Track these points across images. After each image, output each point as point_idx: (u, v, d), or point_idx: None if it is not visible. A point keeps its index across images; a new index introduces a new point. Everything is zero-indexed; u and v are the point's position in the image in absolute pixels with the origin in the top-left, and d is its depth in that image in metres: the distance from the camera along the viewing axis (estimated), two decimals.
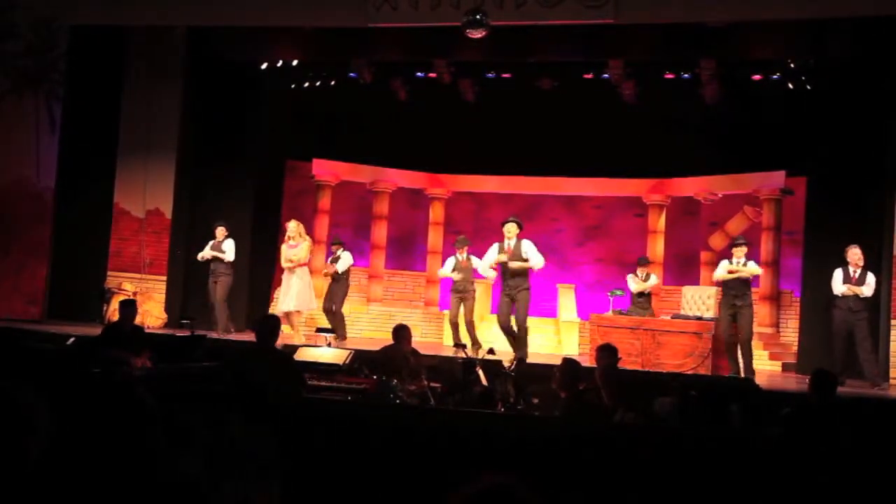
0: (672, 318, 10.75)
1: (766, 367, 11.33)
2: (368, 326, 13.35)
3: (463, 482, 1.82)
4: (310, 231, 12.14)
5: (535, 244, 10.27)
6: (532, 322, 12.98)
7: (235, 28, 11.52)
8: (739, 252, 10.02)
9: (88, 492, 2.01)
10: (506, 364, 7.75)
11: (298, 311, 11.05)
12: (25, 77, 11.44)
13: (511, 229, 10.26)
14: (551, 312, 13.26)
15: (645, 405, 6.43)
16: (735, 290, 9.89)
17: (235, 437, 2.66)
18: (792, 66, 11.67)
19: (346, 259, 11.69)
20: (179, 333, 9.89)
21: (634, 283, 11.40)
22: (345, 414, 5.17)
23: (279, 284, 13.35)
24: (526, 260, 10.07)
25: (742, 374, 9.50)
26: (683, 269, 13.30)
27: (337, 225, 13.68)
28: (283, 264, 11.14)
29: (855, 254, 9.54)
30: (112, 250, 11.95)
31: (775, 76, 11.96)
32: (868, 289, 9.49)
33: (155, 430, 2.14)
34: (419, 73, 13.11)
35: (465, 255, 11.11)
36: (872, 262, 9.73)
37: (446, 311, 12.11)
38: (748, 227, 12.52)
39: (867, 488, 4.27)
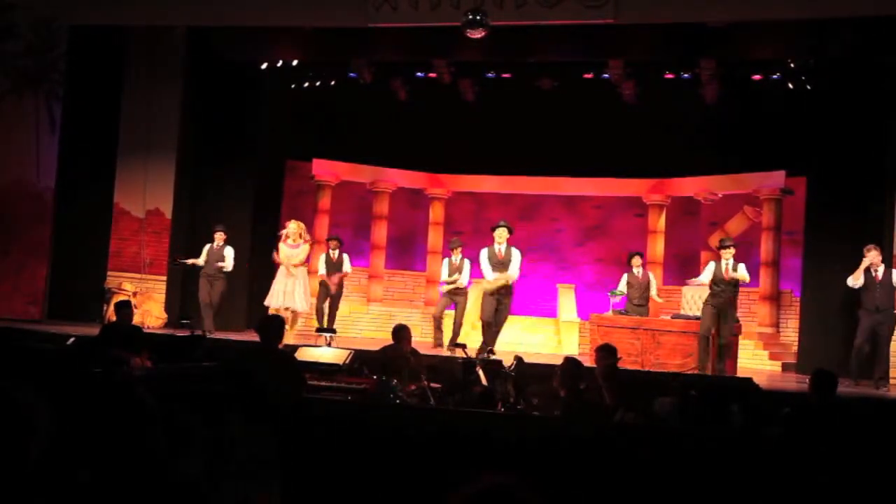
0: (672, 318, 10.75)
1: (766, 367, 11.34)
2: (368, 326, 13.34)
3: (463, 482, 1.82)
4: (310, 231, 12.14)
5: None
6: (532, 322, 13.05)
7: (235, 28, 11.51)
8: (727, 254, 9.86)
9: (88, 492, 2.01)
10: (506, 364, 7.74)
11: (295, 311, 11.03)
12: (25, 77, 11.44)
13: (502, 234, 10.32)
14: (551, 312, 13.26)
15: (645, 405, 6.43)
16: (723, 290, 9.81)
17: (235, 437, 2.66)
18: (792, 66, 11.67)
19: (347, 261, 11.74)
20: (179, 333, 9.88)
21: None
22: (345, 414, 5.17)
23: None
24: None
25: (708, 371, 9.49)
26: (683, 269, 13.30)
27: (337, 225, 13.68)
28: (281, 261, 11.03)
29: (876, 255, 9.34)
30: (112, 250, 11.95)
31: (775, 76, 11.96)
32: None
33: (155, 430, 2.14)
34: (419, 73, 13.11)
35: (458, 257, 11.11)
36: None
37: (447, 311, 12.11)
38: (748, 227, 12.53)
39: (867, 488, 4.27)
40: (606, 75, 12.24)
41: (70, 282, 11.61)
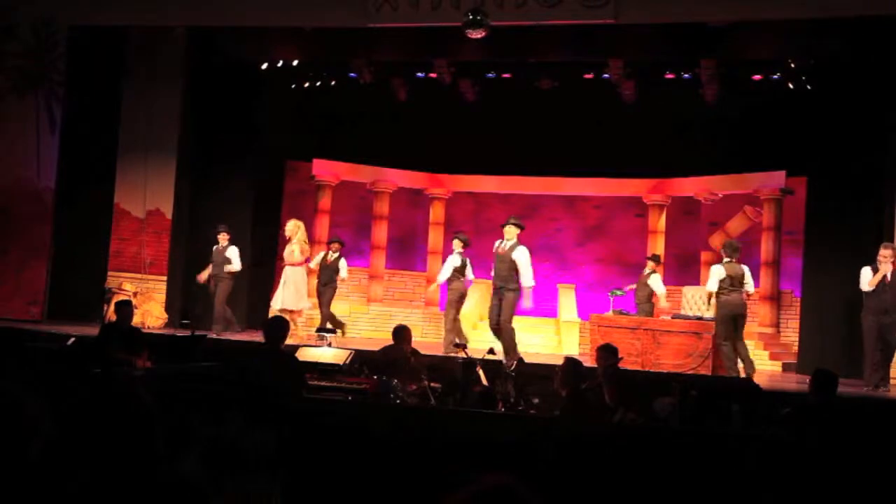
0: (672, 318, 10.75)
1: (766, 367, 11.33)
2: (368, 326, 13.35)
3: (463, 482, 1.82)
4: (310, 231, 12.13)
5: (531, 251, 10.08)
6: (532, 322, 13.02)
7: (235, 28, 11.51)
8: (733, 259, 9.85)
9: (88, 492, 2.01)
10: (506, 364, 7.75)
11: (296, 311, 11.02)
12: (25, 77, 11.44)
13: (511, 231, 10.06)
14: (551, 312, 13.26)
15: (645, 405, 6.44)
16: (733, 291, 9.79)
17: (235, 437, 2.66)
18: (792, 66, 11.67)
19: (343, 267, 11.58)
20: (179, 333, 9.88)
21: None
22: (345, 414, 5.17)
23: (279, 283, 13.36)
24: (514, 263, 9.97)
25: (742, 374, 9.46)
26: (683, 269, 13.31)
27: (337, 225, 13.68)
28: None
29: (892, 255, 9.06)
30: (112, 250, 11.95)
31: (775, 76, 11.96)
32: None
33: (155, 430, 2.13)
34: (419, 73, 13.11)
35: (459, 251, 11.02)
36: (872, 262, 9.70)
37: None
38: (749, 227, 12.52)
39: (867, 488, 4.27)
40: (606, 75, 12.24)
41: (70, 282, 11.61)
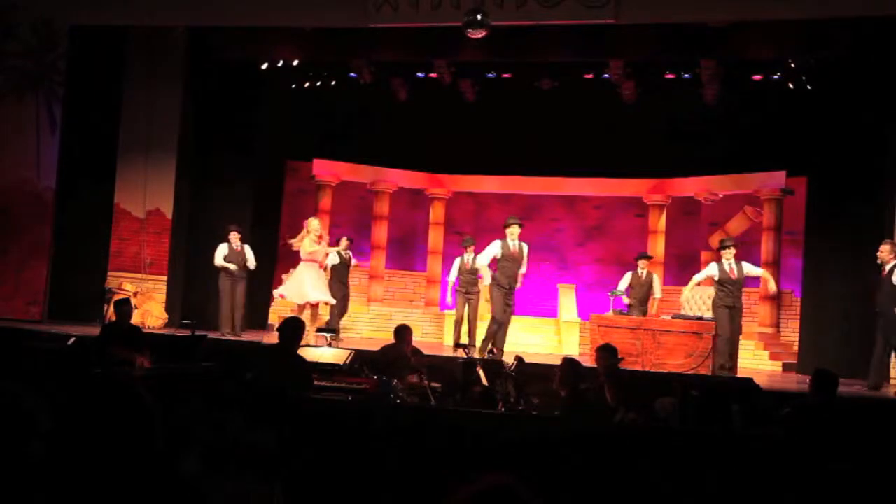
0: (672, 318, 10.74)
1: (766, 367, 11.34)
2: (368, 326, 13.35)
3: (463, 482, 1.82)
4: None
5: (531, 251, 10.45)
6: (532, 322, 13.04)
7: (235, 28, 11.51)
8: (728, 254, 9.85)
9: (88, 492, 2.01)
10: (506, 364, 7.75)
11: (316, 304, 10.98)
12: (26, 77, 11.44)
13: (514, 231, 10.28)
14: (552, 312, 13.26)
15: (645, 405, 6.43)
16: (731, 290, 9.80)
17: (235, 437, 2.66)
18: (792, 66, 11.67)
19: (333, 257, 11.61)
20: (179, 333, 9.88)
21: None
22: (345, 414, 5.17)
23: (279, 284, 13.35)
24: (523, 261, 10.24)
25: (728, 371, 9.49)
26: (683, 269, 13.30)
27: (337, 225, 13.68)
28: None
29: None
30: (112, 250, 11.95)
31: (775, 76, 11.96)
32: None
33: (155, 430, 2.13)
34: (419, 73, 13.11)
35: (471, 255, 11.09)
36: (872, 262, 9.71)
37: (447, 311, 12.10)
38: (749, 227, 12.52)
39: (867, 488, 4.27)
40: (606, 75, 12.24)
41: (70, 282, 11.61)
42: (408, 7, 10.32)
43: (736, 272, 9.78)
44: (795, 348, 11.49)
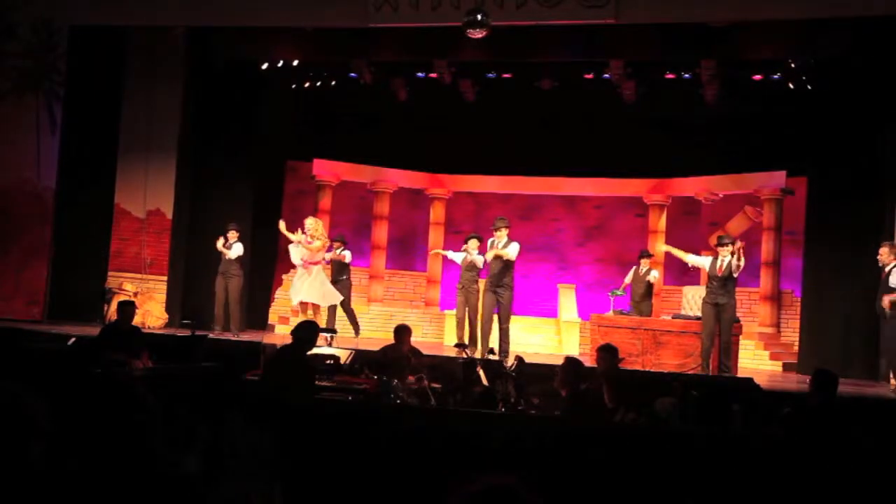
0: (672, 318, 10.74)
1: (766, 367, 11.34)
2: (368, 326, 13.33)
3: (463, 482, 1.82)
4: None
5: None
6: (532, 322, 13.04)
7: (235, 28, 11.51)
8: (725, 251, 9.61)
9: (88, 491, 2.01)
10: (506, 364, 7.75)
11: (317, 305, 11.01)
12: (26, 77, 11.44)
13: (502, 234, 10.33)
14: (552, 312, 13.26)
15: (645, 405, 6.43)
16: (713, 286, 9.63)
17: (235, 437, 2.66)
18: (792, 66, 11.67)
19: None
20: (179, 333, 9.88)
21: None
22: (345, 414, 5.17)
23: (279, 284, 13.35)
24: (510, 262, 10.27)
25: (711, 371, 9.44)
26: (684, 269, 13.29)
27: (337, 225, 13.67)
28: (301, 260, 11.00)
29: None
30: (112, 250, 11.95)
31: (775, 76, 11.96)
32: None
33: (155, 430, 2.13)
34: (419, 73, 13.11)
35: (475, 253, 11.04)
36: (872, 262, 9.71)
37: (448, 311, 12.09)
38: (749, 227, 12.52)
39: (867, 488, 4.27)
40: (607, 75, 12.23)
41: (70, 282, 11.61)
42: (408, 7, 10.32)
43: (723, 270, 9.55)
44: (795, 348, 11.49)
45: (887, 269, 9.02)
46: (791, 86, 11.85)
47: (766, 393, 7.91)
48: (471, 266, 10.80)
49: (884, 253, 9.08)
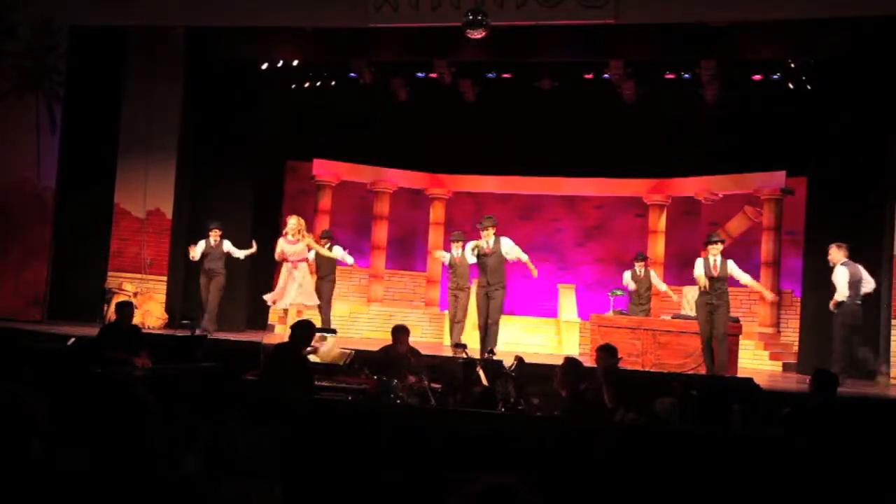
0: (672, 318, 10.75)
1: (766, 367, 11.34)
2: (368, 326, 13.35)
3: (463, 482, 1.82)
4: (310, 230, 12.10)
5: (531, 251, 10.49)
6: (532, 322, 13.03)
7: (235, 28, 11.51)
8: (715, 249, 9.48)
9: (89, 492, 2.01)
10: (506, 364, 7.74)
11: (300, 307, 11.00)
12: (26, 77, 11.43)
13: (488, 234, 10.29)
14: (552, 312, 13.26)
15: (645, 405, 6.43)
16: (711, 287, 9.48)
17: (235, 437, 2.66)
18: (792, 66, 11.67)
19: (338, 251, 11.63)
20: (179, 333, 9.87)
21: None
22: (345, 414, 5.17)
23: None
24: (503, 257, 10.17)
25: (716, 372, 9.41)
26: (683, 269, 13.29)
27: (337, 225, 13.67)
28: (286, 257, 10.97)
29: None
30: (112, 250, 11.94)
31: (775, 76, 11.96)
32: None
33: (155, 430, 2.13)
34: (419, 73, 13.12)
35: (459, 251, 11.00)
36: (872, 263, 9.72)
37: (447, 311, 12.06)
38: (749, 227, 12.52)
39: (867, 488, 4.27)
40: (607, 75, 12.24)
41: (70, 282, 11.60)
42: (408, 7, 10.32)
43: (719, 269, 9.42)
44: (795, 348, 11.49)
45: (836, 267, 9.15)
46: (791, 86, 11.85)
47: (766, 393, 7.90)
48: (460, 265, 10.74)
49: (832, 252, 9.21)
